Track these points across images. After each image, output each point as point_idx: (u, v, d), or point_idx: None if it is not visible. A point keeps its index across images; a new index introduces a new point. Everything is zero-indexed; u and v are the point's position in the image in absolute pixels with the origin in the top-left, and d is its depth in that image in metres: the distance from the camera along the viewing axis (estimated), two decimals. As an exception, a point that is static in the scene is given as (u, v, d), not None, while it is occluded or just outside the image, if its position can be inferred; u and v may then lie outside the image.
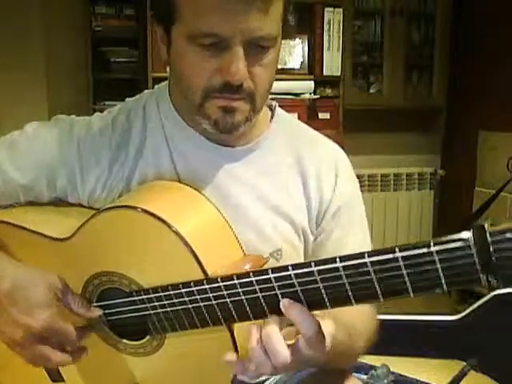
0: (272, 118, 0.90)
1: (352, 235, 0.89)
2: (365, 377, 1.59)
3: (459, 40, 3.23)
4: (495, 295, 1.32)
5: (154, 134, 0.85)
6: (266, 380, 0.93)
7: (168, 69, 0.84)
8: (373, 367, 1.62)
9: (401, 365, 1.63)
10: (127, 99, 0.91)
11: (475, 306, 1.37)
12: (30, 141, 0.84)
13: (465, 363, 1.37)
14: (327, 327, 0.63)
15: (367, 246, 0.91)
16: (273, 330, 0.62)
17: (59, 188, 0.84)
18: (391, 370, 1.58)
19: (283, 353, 0.61)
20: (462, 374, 1.36)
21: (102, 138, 0.84)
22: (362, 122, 3.14)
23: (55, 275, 0.77)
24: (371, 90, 3.24)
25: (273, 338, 0.61)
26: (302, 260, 0.89)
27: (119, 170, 0.84)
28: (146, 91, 0.92)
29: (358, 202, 0.92)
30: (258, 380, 0.91)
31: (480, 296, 1.36)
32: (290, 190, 0.87)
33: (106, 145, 0.84)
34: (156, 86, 0.91)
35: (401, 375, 1.64)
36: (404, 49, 3.16)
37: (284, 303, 0.62)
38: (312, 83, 2.90)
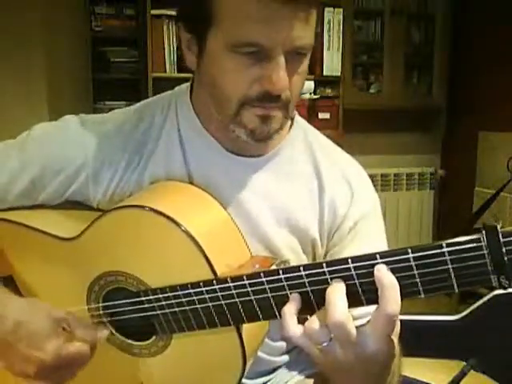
0: (291, 126, 0.88)
1: (369, 248, 0.86)
2: (365, 377, 1.58)
3: (459, 40, 3.23)
4: (495, 295, 1.32)
5: (168, 135, 0.83)
6: (267, 381, 0.93)
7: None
8: (373, 367, 1.61)
9: (401, 365, 1.62)
10: (145, 100, 0.89)
11: (475, 305, 1.36)
12: (38, 142, 0.83)
13: (465, 363, 1.36)
14: (396, 327, 0.60)
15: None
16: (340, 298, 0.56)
17: (70, 189, 0.82)
18: (391, 369, 1.58)
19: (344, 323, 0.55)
20: (462, 374, 1.35)
21: (116, 139, 0.83)
22: (361, 122, 3.14)
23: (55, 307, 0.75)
24: (371, 90, 3.24)
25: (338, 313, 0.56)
26: None
27: (132, 172, 0.82)
28: (165, 93, 0.89)
29: (376, 216, 0.89)
30: (258, 380, 0.92)
31: (480, 296, 1.36)
32: (304, 200, 0.85)
33: (119, 147, 0.82)
34: (176, 88, 0.89)
35: (401, 375, 1.64)
36: (404, 49, 3.17)
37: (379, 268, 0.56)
38: (312, 83, 2.90)
